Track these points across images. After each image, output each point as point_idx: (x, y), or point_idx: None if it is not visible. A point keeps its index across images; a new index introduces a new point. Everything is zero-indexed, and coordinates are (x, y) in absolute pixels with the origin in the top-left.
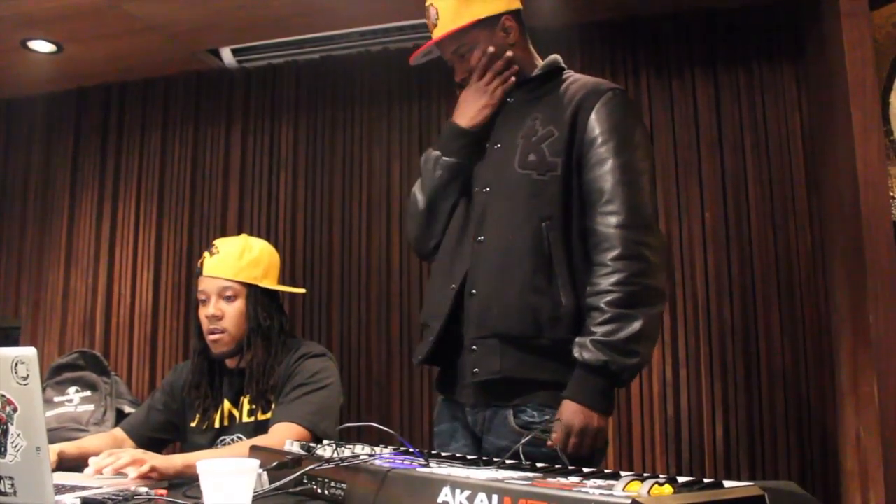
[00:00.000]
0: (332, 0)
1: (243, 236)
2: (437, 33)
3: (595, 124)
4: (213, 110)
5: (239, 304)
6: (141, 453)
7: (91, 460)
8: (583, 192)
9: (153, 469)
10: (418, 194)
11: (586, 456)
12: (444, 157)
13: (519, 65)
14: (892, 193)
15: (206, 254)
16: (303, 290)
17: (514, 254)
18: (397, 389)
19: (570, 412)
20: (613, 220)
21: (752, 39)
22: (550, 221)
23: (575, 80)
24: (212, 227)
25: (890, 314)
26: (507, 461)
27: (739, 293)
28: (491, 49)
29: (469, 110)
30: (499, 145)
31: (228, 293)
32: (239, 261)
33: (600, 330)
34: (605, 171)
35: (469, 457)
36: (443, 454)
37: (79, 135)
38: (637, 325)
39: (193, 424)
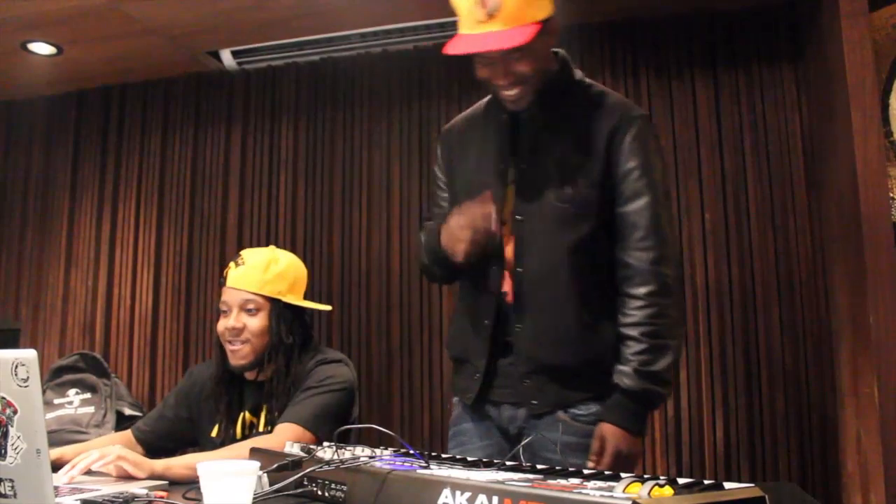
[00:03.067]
0: (332, 2)
1: (271, 248)
2: (496, 27)
3: (629, 156)
4: (213, 112)
5: (261, 318)
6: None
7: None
8: (615, 223)
9: (121, 458)
10: (423, 255)
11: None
12: (439, 269)
13: (546, 71)
14: (891, 194)
15: (231, 264)
16: (328, 308)
17: (560, 288)
18: (397, 391)
19: (617, 437)
20: (650, 255)
21: (752, 40)
22: (587, 255)
23: (598, 95)
24: (212, 228)
25: (890, 315)
26: (508, 462)
27: (739, 294)
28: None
29: (461, 246)
30: (522, 168)
31: (250, 306)
32: (264, 274)
33: (638, 359)
34: (641, 207)
35: (469, 458)
36: (444, 455)
37: (79, 137)
38: (669, 355)
39: (213, 434)
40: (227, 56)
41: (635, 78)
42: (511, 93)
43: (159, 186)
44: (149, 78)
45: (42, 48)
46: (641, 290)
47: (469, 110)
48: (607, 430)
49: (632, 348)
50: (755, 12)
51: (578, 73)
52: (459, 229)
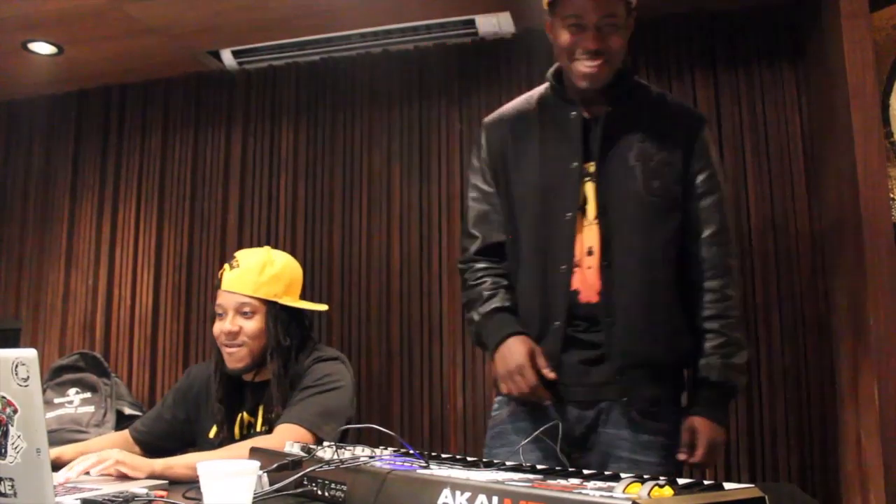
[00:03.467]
0: (333, 2)
1: (266, 249)
2: None
3: (701, 155)
4: (214, 112)
5: (257, 321)
6: (116, 452)
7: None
8: (688, 217)
9: (119, 462)
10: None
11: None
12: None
13: (618, 64)
14: (892, 195)
15: (226, 266)
16: (325, 307)
17: (656, 284)
18: (397, 391)
19: (710, 429)
20: (723, 251)
21: (752, 41)
22: (675, 248)
23: (659, 96)
24: (212, 228)
25: (890, 316)
26: (508, 462)
27: None
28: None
29: (509, 388)
30: (601, 162)
31: (246, 309)
32: (259, 276)
33: (722, 352)
34: (713, 203)
35: (469, 458)
36: (444, 456)
37: (79, 136)
38: (746, 349)
39: (211, 435)
40: (227, 56)
41: None
42: (593, 64)
43: (159, 186)
44: (149, 78)
45: (42, 48)
46: (717, 284)
47: (514, 104)
48: (698, 422)
49: (713, 341)
50: (755, 12)
51: (636, 78)
52: (515, 374)
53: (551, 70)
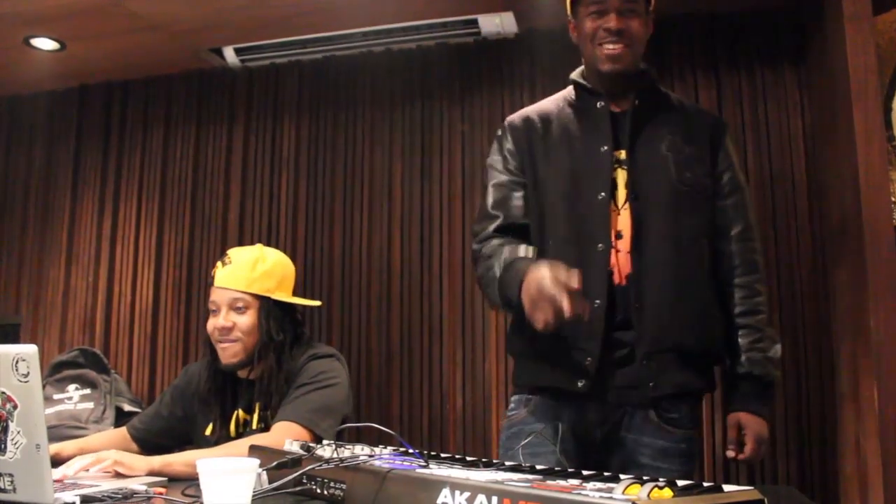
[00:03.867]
0: (336, 0)
1: (258, 246)
2: None
3: (727, 155)
4: (216, 109)
5: (250, 317)
6: (114, 453)
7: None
8: (716, 215)
9: (117, 463)
10: (491, 298)
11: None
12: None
13: (637, 60)
14: (893, 198)
15: (218, 263)
16: (318, 303)
17: (687, 269)
18: (396, 390)
19: (758, 425)
20: (756, 247)
21: (755, 43)
22: (707, 240)
23: (679, 100)
24: (213, 226)
25: (890, 318)
26: (508, 463)
27: None
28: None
29: (542, 318)
30: (632, 151)
31: (239, 304)
32: (251, 272)
33: (761, 346)
34: (740, 202)
35: (468, 458)
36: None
37: (81, 133)
38: (779, 343)
39: (208, 433)
40: (229, 53)
41: None
42: (616, 45)
43: (161, 183)
44: (151, 74)
45: (45, 43)
46: (750, 280)
47: (538, 105)
48: (745, 418)
49: (749, 336)
50: (758, 14)
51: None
52: (542, 300)
53: (574, 73)
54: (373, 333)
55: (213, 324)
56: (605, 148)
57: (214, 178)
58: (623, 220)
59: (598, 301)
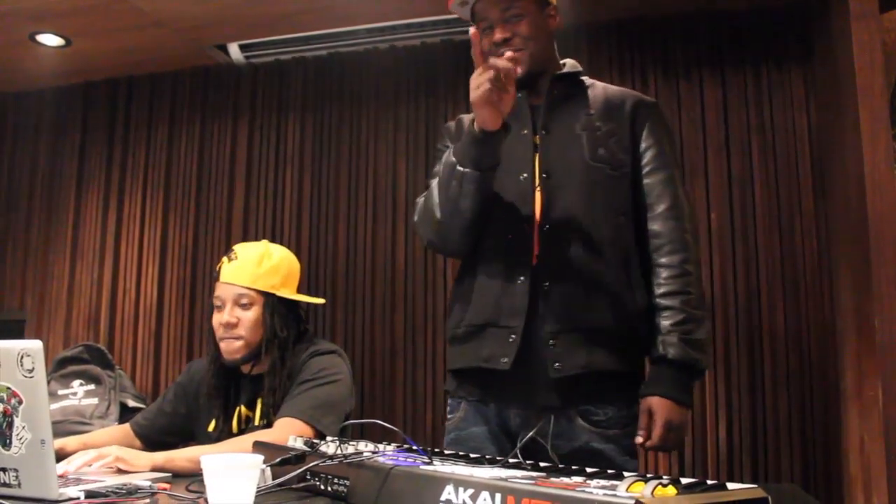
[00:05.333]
0: None
1: (264, 242)
2: None
3: (651, 131)
4: (220, 106)
5: (255, 313)
6: (116, 449)
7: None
8: (641, 193)
9: (119, 459)
10: (435, 209)
11: (676, 448)
12: (475, 171)
13: (549, 59)
14: None
15: (224, 259)
16: (322, 301)
17: (596, 246)
18: (400, 387)
19: (668, 409)
20: (679, 225)
21: (760, 41)
22: (626, 218)
23: (606, 86)
24: (217, 222)
25: (895, 318)
26: (511, 460)
27: (744, 295)
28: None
29: (495, 110)
30: (545, 132)
31: (244, 301)
32: (257, 268)
33: (681, 329)
34: (667, 178)
35: (472, 455)
36: (446, 452)
37: (86, 129)
38: (707, 325)
39: (210, 429)
40: (234, 50)
41: (643, 77)
42: (510, 55)
43: (165, 179)
44: (156, 71)
45: (50, 39)
46: (675, 259)
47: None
48: (655, 402)
49: (671, 318)
50: (764, 12)
51: (585, 77)
52: (481, 80)
53: None
54: (376, 330)
55: (217, 319)
56: (526, 132)
57: (219, 175)
58: (539, 201)
59: (521, 279)
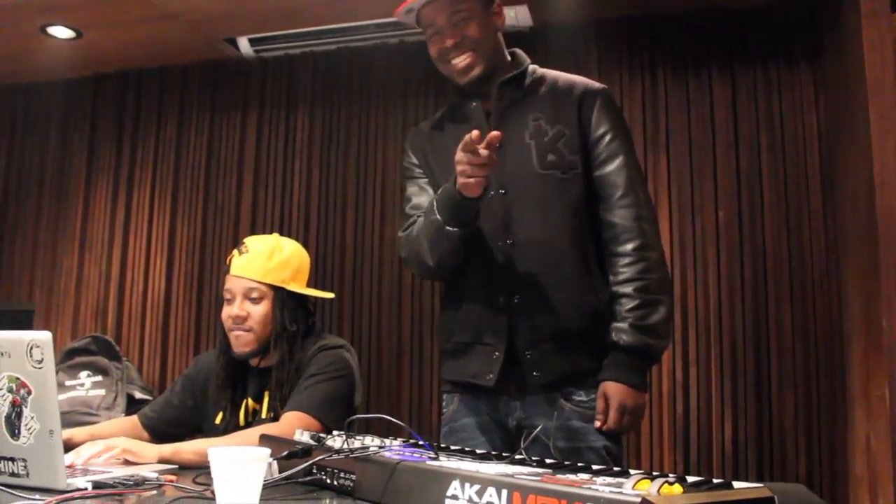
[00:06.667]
0: None
1: (275, 236)
2: None
3: (600, 122)
4: (230, 99)
5: (265, 306)
6: (123, 441)
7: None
8: (595, 185)
9: (126, 451)
10: (427, 258)
11: (632, 429)
12: (455, 230)
13: (495, 57)
14: None
15: (234, 251)
16: (331, 295)
17: (555, 253)
18: (406, 382)
19: (622, 393)
20: (632, 212)
21: (770, 39)
22: (580, 218)
23: (556, 77)
24: (226, 215)
25: None
26: (517, 456)
27: (752, 293)
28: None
29: (478, 185)
30: (498, 146)
31: (254, 294)
32: (267, 262)
33: (634, 315)
34: (618, 167)
35: (478, 451)
36: (452, 448)
37: (95, 121)
38: (663, 309)
39: (217, 422)
40: (244, 43)
41: (652, 75)
42: (460, 60)
43: (174, 172)
44: (166, 64)
45: (61, 32)
46: (629, 247)
47: (431, 119)
48: (609, 387)
49: (625, 305)
50: (774, 10)
51: (534, 67)
52: (462, 164)
53: None
54: (383, 325)
55: (227, 312)
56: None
57: (227, 168)
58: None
59: (499, 298)
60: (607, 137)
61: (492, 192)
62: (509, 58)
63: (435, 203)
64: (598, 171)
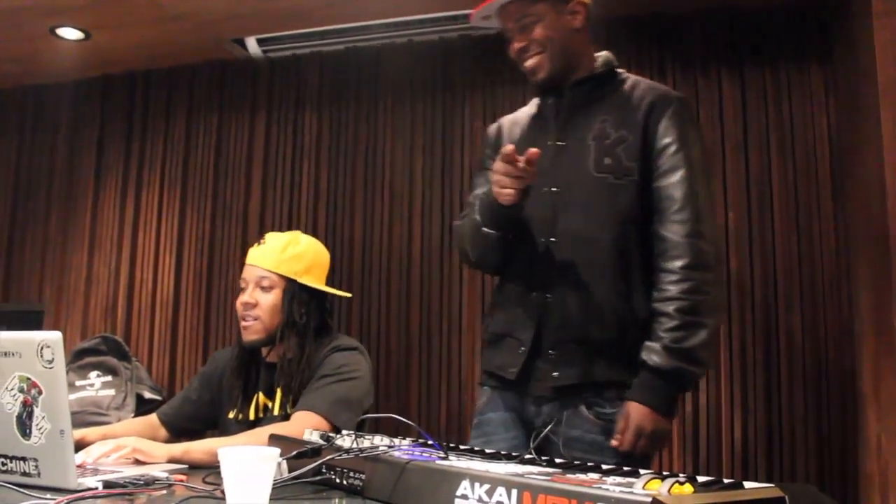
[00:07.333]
0: None
1: (296, 232)
2: None
3: (666, 132)
4: (238, 99)
5: (274, 296)
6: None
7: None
8: (653, 197)
9: (136, 451)
10: (469, 252)
11: (650, 456)
12: (492, 232)
13: (577, 56)
14: None
15: (255, 244)
16: (348, 294)
17: (593, 258)
18: (415, 380)
19: (642, 415)
20: (684, 229)
21: (780, 39)
22: (628, 226)
23: (637, 82)
24: (234, 214)
25: None
26: (527, 456)
27: (761, 294)
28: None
29: (506, 193)
30: (562, 143)
31: (265, 283)
32: (281, 253)
33: (669, 336)
34: (678, 180)
35: (488, 451)
36: (462, 447)
37: (104, 122)
38: (703, 333)
39: (231, 416)
40: (252, 44)
41: (661, 74)
42: (529, 61)
43: (183, 172)
44: (174, 64)
45: (70, 33)
46: (677, 264)
47: (514, 113)
48: (632, 407)
49: (663, 324)
50: (784, 10)
51: (621, 71)
52: (498, 174)
53: None
54: (392, 325)
55: (239, 300)
56: (549, 143)
57: (236, 168)
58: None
59: (533, 292)
60: (672, 148)
61: (544, 189)
62: (595, 58)
63: (478, 203)
64: (657, 182)
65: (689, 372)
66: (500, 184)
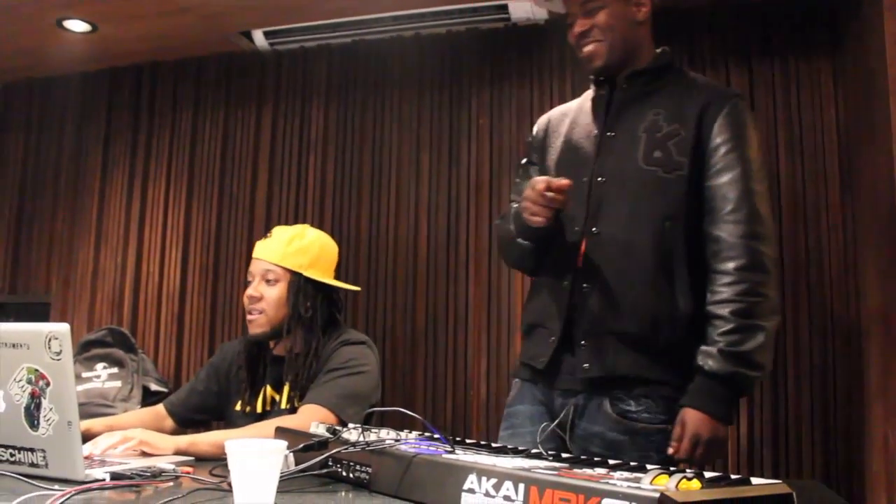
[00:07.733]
0: None
1: (304, 225)
2: None
3: (722, 130)
4: (245, 92)
5: (279, 289)
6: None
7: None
8: (705, 196)
9: (143, 443)
10: (506, 255)
11: (708, 463)
12: (525, 243)
13: (637, 48)
14: None
15: (263, 238)
16: (356, 288)
17: (635, 251)
18: (421, 374)
19: (699, 422)
20: (740, 229)
21: (788, 33)
22: (674, 221)
23: (694, 78)
24: (240, 208)
25: None
26: (534, 451)
27: None
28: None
29: (537, 219)
30: (612, 133)
31: (270, 276)
32: (287, 247)
33: (725, 339)
34: (733, 179)
35: (495, 444)
36: (468, 441)
37: (111, 114)
38: (761, 336)
39: (237, 408)
40: (259, 36)
41: None
42: (588, 47)
43: (189, 165)
44: (181, 57)
45: (77, 25)
46: (730, 265)
47: (565, 105)
48: (688, 414)
49: (719, 328)
50: (792, 3)
51: (679, 67)
52: (527, 200)
53: None
54: (398, 319)
55: (245, 293)
56: (596, 133)
57: (242, 161)
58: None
59: (565, 282)
60: (726, 147)
61: (585, 179)
62: (654, 52)
63: (513, 211)
64: (710, 181)
65: (746, 376)
66: (528, 210)
